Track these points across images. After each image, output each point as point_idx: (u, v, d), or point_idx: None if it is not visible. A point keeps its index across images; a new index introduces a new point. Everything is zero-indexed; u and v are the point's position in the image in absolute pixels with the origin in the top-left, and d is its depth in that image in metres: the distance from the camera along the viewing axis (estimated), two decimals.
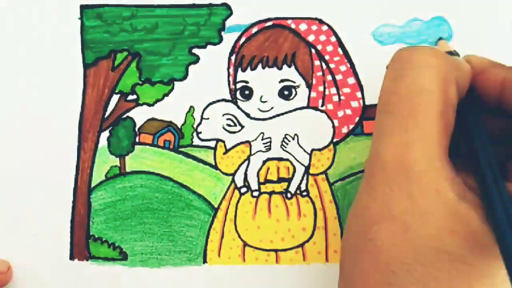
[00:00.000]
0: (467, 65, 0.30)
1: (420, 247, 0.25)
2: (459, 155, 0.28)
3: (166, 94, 0.39)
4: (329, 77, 0.39)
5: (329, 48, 0.39)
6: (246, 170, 0.38)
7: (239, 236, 0.38)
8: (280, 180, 0.38)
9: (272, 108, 0.39)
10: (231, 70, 0.39)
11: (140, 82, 0.39)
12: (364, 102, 0.39)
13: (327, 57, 0.39)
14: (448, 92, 0.27)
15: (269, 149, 0.38)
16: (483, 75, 0.29)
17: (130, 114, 0.39)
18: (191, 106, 0.39)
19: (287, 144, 0.38)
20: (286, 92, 0.39)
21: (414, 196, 0.25)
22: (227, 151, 0.38)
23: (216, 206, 0.38)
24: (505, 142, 0.28)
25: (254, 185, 0.38)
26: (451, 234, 0.24)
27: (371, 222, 0.26)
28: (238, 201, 0.38)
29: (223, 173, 0.38)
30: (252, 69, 0.39)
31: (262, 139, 0.38)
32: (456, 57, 0.30)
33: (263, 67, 0.39)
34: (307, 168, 0.38)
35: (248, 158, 0.38)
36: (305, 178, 0.38)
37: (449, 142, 0.27)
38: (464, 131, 0.28)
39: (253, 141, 0.39)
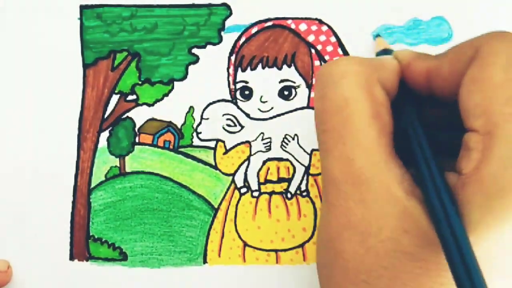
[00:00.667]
0: (393, 62, 0.30)
1: (382, 252, 0.25)
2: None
3: (166, 94, 0.39)
4: None
5: (329, 48, 0.39)
6: (246, 170, 0.38)
7: (239, 236, 0.38)
8: (280, 180, 0.38)
9: (272, 108, 0.39)
10: (231, 70, 0.39)
11: (140, 82, 0.39)
12: None
13: (327, 57, 0.39)
14: (374, 94, 0.27)
15: (269, 149, 0.38)
16: (409, 68, 0.30)
17: (130, 114, 0.39)
18: (191, 106, 0.39)
19: (287, 144, 0.38)
20: (286, 92, 0.39)
21: (367, 203, 0.25)
22: (227, 151, 0.38)
23: (216, 206, 0.38)
24: (450, 130, 0.29)
25: (254, 185, 0.38)
26: (404, 233, 0.25)
27: (335, 236, 0.26)
28: (238, 201, 0.38)
29: (223, 173, 0.38)
30: (252, 69, 0.39)
31: (262, 139, 0.38)
32: (380, 56, 0.31)
33: (263, 67, 0.39)
34: (307, 168, 0.38)
35: (248, 158, 0.38)
36: (305, 178, 0.38)
37: (390, 140, 0.27)
38: (400, 127, 0.29)
39: (253, 141, 0.39)
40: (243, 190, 0.38)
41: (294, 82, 0.39)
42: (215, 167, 0.38)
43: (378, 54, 0.36)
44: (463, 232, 0.23)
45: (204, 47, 0.39)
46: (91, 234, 0.38)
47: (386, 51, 0.35)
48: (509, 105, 0.24)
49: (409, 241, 0.25)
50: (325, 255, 0.27)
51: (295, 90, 0.39)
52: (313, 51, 0.39)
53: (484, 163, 0.24)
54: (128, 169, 0.39)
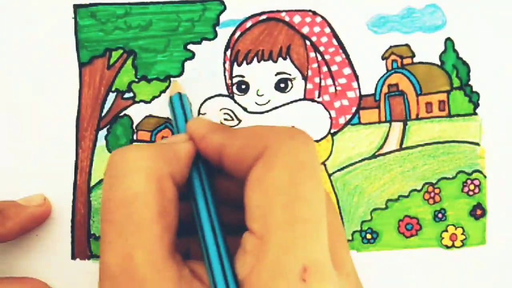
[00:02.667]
0: (185, 148, 0.30)
1: None
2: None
3: (163, 91, 0.39)
4: (324, 68, 0.39)
5: (324, 39, 0.39)
6: None
7: None
8: None
9: (269, 101, 0.39)
10: (226, 65, 0.39)
11: (136, 80, 0.39)
12: (360, 92, 0.39)
13: (322, 49, 0.39)
14: (164, 190, 0.27)
15: None
16: (202, 142, 0.30)
17: (127, 111, 0.39)
18: None
19: None
20: (282, 85, 0.39)
21: None
22: None
23: None
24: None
25: None
26: None
27: None
28: None
29: None
30: (247, 63, 0.39)
31: None
32: (173, 145, 0.30)
33: (259, 61, 0.39)
34: None
35: None
36: None
37: (174, 237, 0.27)
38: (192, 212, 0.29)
39: None
40: None
41: (290, 75, 0.39)
42: None
43: (172, 97, 0.36)
44: None
45: (199, 43, 0.39)
46: (92, 232, 0.38)
47: (180, 95, 0.36)
48: (286, 211, 0.24)
49: None
50: None
51: (291, 82, 0.39)
52: (308, 42, 0.39)
53: (256, 271, 0.24)
54: None
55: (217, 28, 0.39)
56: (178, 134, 0.32)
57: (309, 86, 0.39)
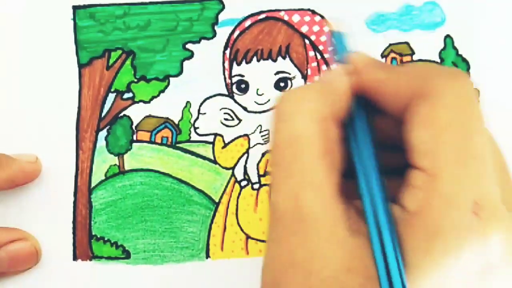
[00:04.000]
0: (343, 85, 0.29)
1: None
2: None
3: (162, 91, 0.39)
4: (324, 67, 0.39)
5: (323, 38, 0.39)
6: (246, 163, 0.38)
7: (241, 229, 0.38)
8: None
9: (268, 100, 0.39)
10: (226, 64, 0.39)
11: (136, 80, 0.39)
12: None
13: (321, 47, 0.39)
14: (328, 130, 0.27)
15: (268, 141, 0.38)
16: (360, 76, 0.30)
17: (126, 112, 0.39)
18: (187, 102, 0.39)
19: None
20: (282, 84, 0.39)
21: (311, 242, 0.25)
22: (225, 145, 0.39)
23: (217, 200, 0.38)
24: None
25: (254, 178, 0.38)
26: (347, 272, 0.25)
27: (279, 272, 0.26)
28: (239, 195, 0.38)
29: (222, 167, 0.38)
30: (247, 63, 0.39)
31: (260, 132, 0.39)
32: (332, 82, 0.29)
33: (258, 60, 0.39)
34: None
35: (247, 151, 0.38)
36: None
37: (339, 177, 0.27)
38: (349, 150, 0.29)
39: (251, 134, 0.39)
40: (244, 183, 0.38)
41: (290, 74, 0.39)
42: (214, 161, 0.38)
43: (334, 34, 0.35)
44: (401, 274, 0.24)
45: (198, 42, 0.39)
46: (93, 233, 0.38)
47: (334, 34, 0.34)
48: (457, 148, 0.24)
49: (352, 280, 0.25)
50: None
51: (291, 82, 0.39)
52: (307, 41, 0.39)
53: (428, 205, 0.24)
54: (127, 167, 0.39)
55: (216, 28, 0.39)
56: (335, 68, 0.32)
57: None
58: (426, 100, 0.26)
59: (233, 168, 0.38)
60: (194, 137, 0.39)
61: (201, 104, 0.39)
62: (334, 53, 0.34)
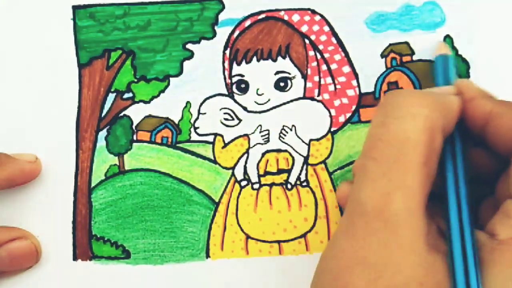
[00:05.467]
0: (455, 103, 0.30)
1: None
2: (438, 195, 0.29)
3: (162, 91, 0.39)
4: (324, 67, 0.39)
5: (323, 37, 0.39)
6: (246, 163, 0.38)
7: (242, 229, 0.38)
8: (279, 171, 0.38)
9: (268, 100, 0.39)
10: (226, 64, 0.39)
11: (136, 80, 0.39)
12: (360, 90, 0.39)
13: (321, 47, 0.39)
14: (434, 141, 0.27)
15: (268, 141, 0.38)
16: (470, 103, 0.30)
17: (126, 112, 0.39)
18: (187, 102, 0.39)
19: (285, 135, 0.38)
20: (282, 84, 0.39)
21: (390, 246, 0.25)
22: (225, 145, 0.39)
23: (217, 200, 0.38)
24: (491, 180, 0.29)
25: (254, 178, 0.38)
26: (419, 285, 0.25)
27: (346, 266, 0.26)
28: (239, 195, 0.38)
29: (222, 167, 0.38)
30: (247, 63, 0.39)
31: (260, 132, 0.39)
32: (445, 96, 0.30)
33: (258, 60, 0.39)
34: (306, 159, 0.38)
35: (247, 151, 0.38)
36: (304, 168, 0.38)
37: (430, 189, 0.27)
38: (441, 171, 0.29)
39: (251, 134, 0.39)
40: (244, 183, 0.38)
41: (290, 73, 0.39)
42: (214, 161, 0.38)
43: (437, 58, 0.36)
44: None
45: (198, 42, 0.39)
46: (93, 233, 0.38)
47: (445, 57, 0.35)
48: None
49: None
50: (330, 280, 0.27)
51: (291, 81, 0.39)
52: (307, 41, 0.39)
53: None
54: (127, 167, 0.39)
55: (216, 28, 0.39)
56: (445, 87, 0.32)
57: (309, 84, 0.39)
58: None
59: (233, 168, 0.38)
60: (194, 137, 0.39)
61: (201, 104, 0.39)
62: (441, 75, 0.34)
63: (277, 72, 0.39)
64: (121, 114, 0.39)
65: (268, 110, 0.39)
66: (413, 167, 0.26)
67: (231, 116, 0.39)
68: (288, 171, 0.38)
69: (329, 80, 0.39)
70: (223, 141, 0.39)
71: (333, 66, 0.39)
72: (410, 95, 0.28)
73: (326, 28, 0.39)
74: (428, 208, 0.27)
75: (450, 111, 0.29)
